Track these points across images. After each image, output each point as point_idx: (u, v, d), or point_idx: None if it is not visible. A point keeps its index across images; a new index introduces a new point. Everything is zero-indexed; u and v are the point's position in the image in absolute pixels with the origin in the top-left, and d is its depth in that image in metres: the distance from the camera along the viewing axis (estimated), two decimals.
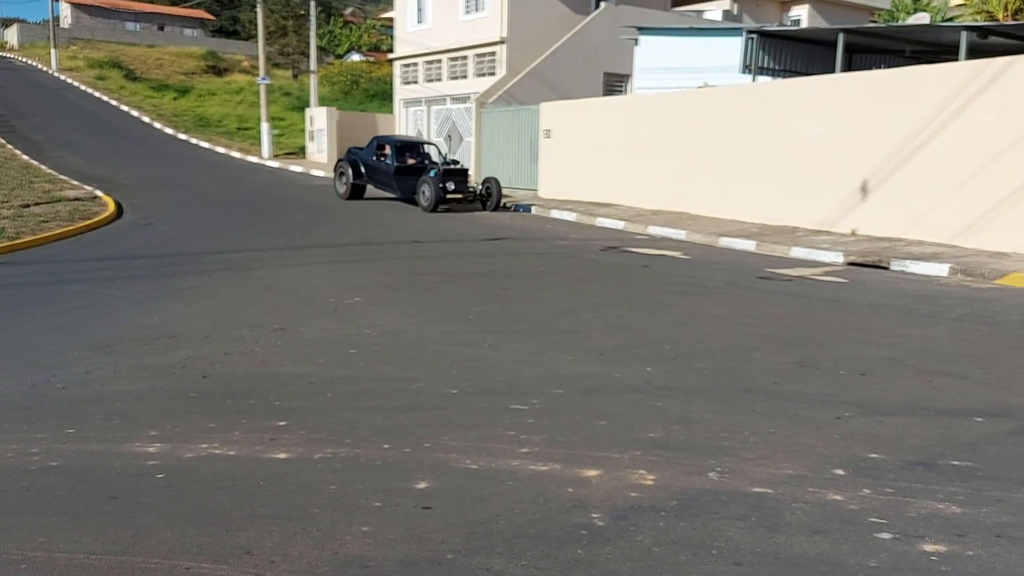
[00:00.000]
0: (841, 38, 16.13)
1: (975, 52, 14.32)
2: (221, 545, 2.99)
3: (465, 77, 27.85)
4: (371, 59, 47.57)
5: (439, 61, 28.96)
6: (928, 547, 2.99)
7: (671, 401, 4.80)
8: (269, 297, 8.19)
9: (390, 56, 33.21)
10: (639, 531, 3.11)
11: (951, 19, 26.83)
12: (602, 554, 2.92)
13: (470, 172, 18.98)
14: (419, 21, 29.70)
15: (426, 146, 19.63)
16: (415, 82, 29.93)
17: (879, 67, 18.17)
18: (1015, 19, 25.35)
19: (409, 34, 30.04)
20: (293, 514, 3.25)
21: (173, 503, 3.39)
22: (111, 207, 15.93)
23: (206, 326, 6.85)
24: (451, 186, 17.16)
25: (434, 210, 16.97)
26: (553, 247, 12.61)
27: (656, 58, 21.54)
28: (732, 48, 18.71)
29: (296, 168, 27.78)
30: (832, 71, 16.39)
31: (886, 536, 3.07)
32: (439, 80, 28.77)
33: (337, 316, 7.21)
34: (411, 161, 18.53)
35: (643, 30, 21.99)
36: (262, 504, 3.35)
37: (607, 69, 26.54)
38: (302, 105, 34.29)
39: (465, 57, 27.87)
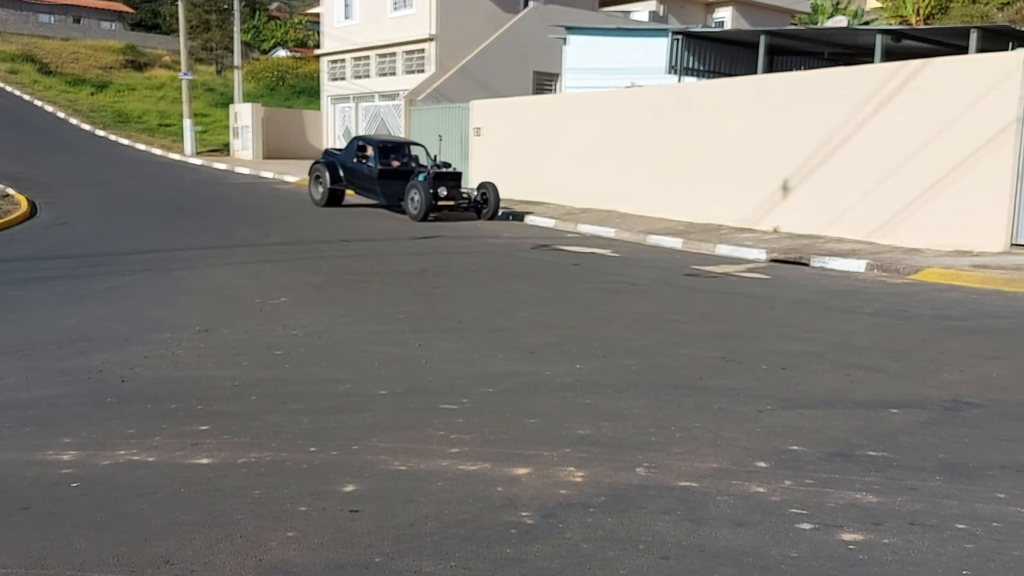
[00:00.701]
0: (763, 40, 16.53)
1: (890, 55, 14.83)
2: (139, 555, 2.90)
3: (394, 74, 27.62)
4: (298, 55, 46.79)
5: (367, 58, 28.66)
6: (846, 536, 3.07)
7: (600, 398, 4.84)
8: (192, 298, 7.98)
9: (317, 52, 32.73)
10: (568, 528, 3.12)
11: (868, 23, 27.74)
12: (531, 552, 2.92)
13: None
14: (347, 17, 29.35)
15: (413, 147, 17.73)
16: (343, 79, 29.56)
17: (799, 68, 18.68)
18: (926, 23, 26.37)
19: (336, 30, 29.65)
20: (216, 521, 3.17)
21: (88, 513, 3.27)
22: (24, 206, 15.30)
23: (125, 329, 6.64)
24: (443, 192, 15.37)
25: (424, 219, 15.29)
26: (484, 245, 12.60)
27: (585, 58, 21.72)
28: (658, 49, 18.99)
29: (220, 166, 27.15)
30: (755, 72, 16.78)
31: (806, 526, 3.15)
32: (368, 77, 28.48)
33: (263, 317, 7.07)
34: (396, 164, 16.67)
35: (571, 29, 22.15)
36: (183, 511, 3.26)
37: (537, 68, 26.65)
38: (226, 101, 33.53)
39: (394, 54, 27.64)
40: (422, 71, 26.35)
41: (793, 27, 22.81)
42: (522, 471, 3.68)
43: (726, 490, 3.50)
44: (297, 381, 5.17)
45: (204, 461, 3.80)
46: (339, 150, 18.37)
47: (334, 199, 17.56)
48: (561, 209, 17.29)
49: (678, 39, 17.92)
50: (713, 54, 18.79)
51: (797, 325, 7.18)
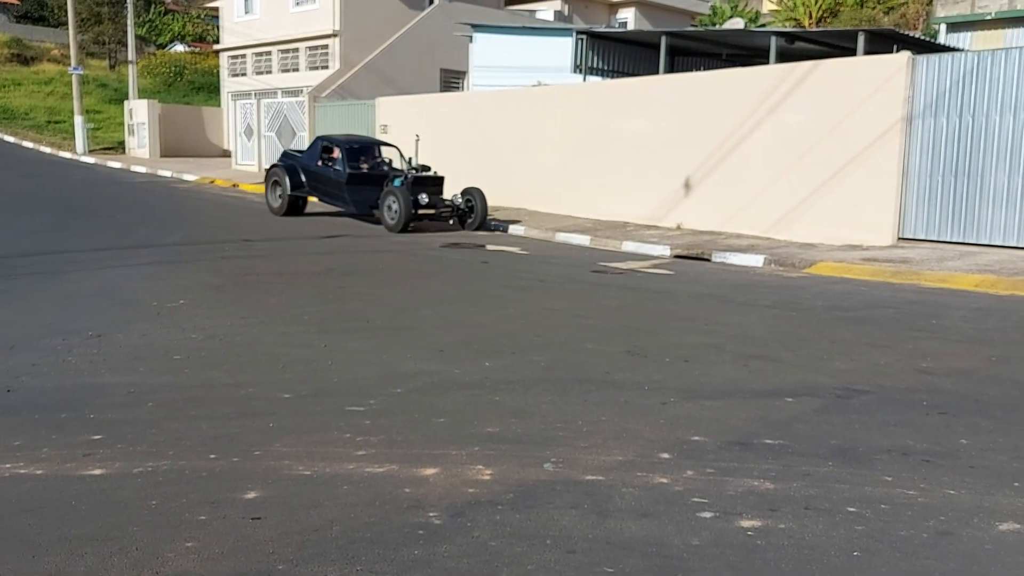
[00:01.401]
0: (664, 40, 16.90)
1: (784, 56, 15.39)
2: (26, 572, 2.76)
3: (297, 70, 27.11)
4: (196, 50, 45.32)
5: (269, 53, 28.03)
6: (745, 523, 3.17)
7: (509, 395, 4.86)
8: (85, 302, 7.65)
9: (216, 47, 31.83)
10: (476, 527, 3.12)
11: (764, 25, 28.67)
12: (439, 553, 2.91)
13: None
14: (247, 11, 28.62)
15: (384, 148, 15.86)
16: (244, 75, 28.82)
17: (699, 69, 19.17)
18: (819, 26, 27.43)
19: (236, 24, 28.89)
20: (109, 534, 3.04)
21: None
22: None
23: (12, 335, 6.31)
24: (424, 199, 13.69)
25: (404, 229, 13.57)
26: (392, 244, 12.49)
27: (491, 56, 21.78)
28: (563, 48, 19.20)
29: (115, 164, 26.10)
30: (657, 72, 17.15)
31: (707, 515, 3.24)
32: (269, 73, 27.84)
33: (160, 320, 6.82)
34: (366, 167, 14.93)
35: (477, 27, 22.18)
36: (74, 525, 3.11)
37: (444, 65, 26.59)
38: (121, 97, 32.23)
39: (297, 50, 27.11)
40: (326, 67, 25.93)
41: (693, 29, 23.41)
42: (430, 471, 3.66)
43: (631, 482, 3.56)
44: (197, 386, 5.01)
45: (97, 472, 3.64)
46: (299, 152, 16.55)
47: (294, 207, 15.63)
48: None
49: (582, 39, 18.16)
50: (617, 54, 19.11)
51: (699, 319, 7.37)
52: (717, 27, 25.60)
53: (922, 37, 19.50)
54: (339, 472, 3.63)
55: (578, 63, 18.23)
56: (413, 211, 13.59)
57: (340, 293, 8.32)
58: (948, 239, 11.28)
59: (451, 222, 14.40)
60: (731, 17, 27.93)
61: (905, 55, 11.59)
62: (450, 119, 18.63)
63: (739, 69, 14.30)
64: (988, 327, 6.94)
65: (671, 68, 18.72)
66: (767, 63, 14.94)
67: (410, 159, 14.78)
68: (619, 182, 15.10)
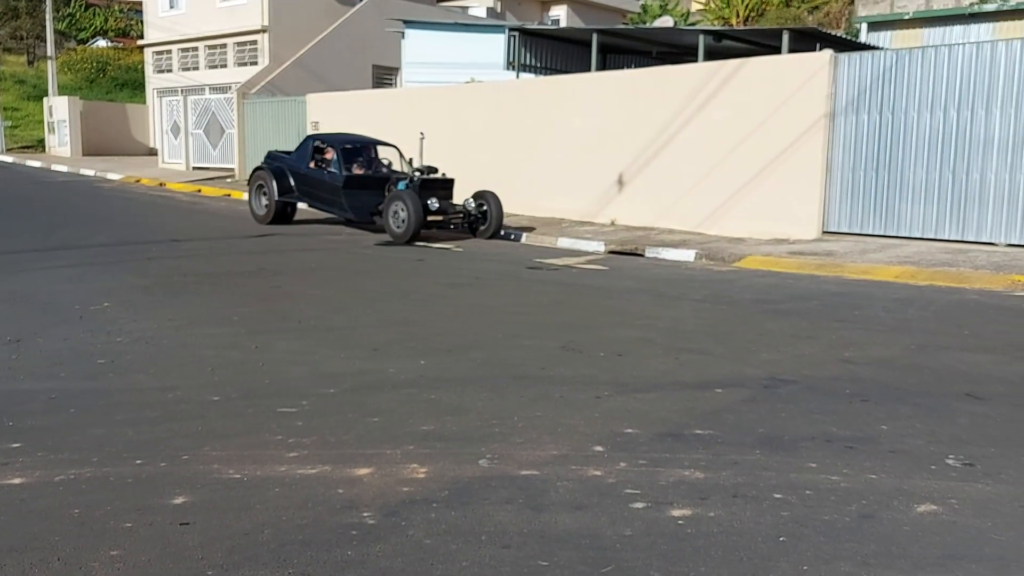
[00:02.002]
0: (595, 38, 17.05)
1: (712, 54, 15.67)
2: None
3: (225, 66, 26.56)
4: (120, 45, 44.00)
5: (196, 49, 27.39)
6: (676, 512, 3.23)
7: (444, 392, 4.85)
8: (2, 307, 7.36)
9: (140, 43, 30.97)
10: (411, 525, 3.11)
11: (693, 24, 29.14)
12: (373, 552, 2.89)
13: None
14: (172, 6, 27.92)
15: (382, 147, 14.47)
16: (169, 71, 28.12)
17: (630, 66, 19.41)
18: (746, 24, 28.00)
19: (161, 19, 28.16)
20: (29, 544, 2.94)
21: None
22: None
23: None
24: (434, 204, 12.36)
25: (413, 239, 12.11)
26: (325, 242, 12.34)
27: (424, 52, 21.67)
28: (496, 45, 19.21)
29: (35, 163, 25.22)
30: (588, 69, 17.30)
31: (640, 505, 3.29)
32: (196, 69, 27.22)
33: (83, 324, 6.61)
34: (364, 168, 13.57)
35: (409, 23, 22.04)
36: None
37: (376, 61, 26.36)
38: (40, 94, 31.12)
39: (224, 45, 26.57)
40: (255, 63, 25.47)
41: (624, 27, 23.66)
42: (364, 471, 3.63)
43: (565, 475, 3.59)
44: (122, 391, 4.87)
45: (16, 481, 3.52)
46: (286, 153, 14.93)
47: (282, 215, 14.18)
48: None
49: (515, 36, 18.20)
50: (549, 51, 19.21)
51: (632, 313, 7.46)
52: (647, 25, 25.94)
53: (844, 36, 20.09)
54: (270, 474, 3.58)
55: (511, 60, 18.27)
56: (424, 217, 12.19)
57: (271, 293, 8.19)
58: (870, 232, 11.66)
59: (452, 228, 13.11)
60: (661, 15, 28.32)
61: (827, 53, 11.92)
62: (383, 115, 18.47)
63: (669, 67, 14.52)
64: (907, 317, 7.19)
65: (603, 66, 18.90)
66: (696, 61, 15.20)
67: (411, 160, 13.72)
68: (554, 178, 15.19)
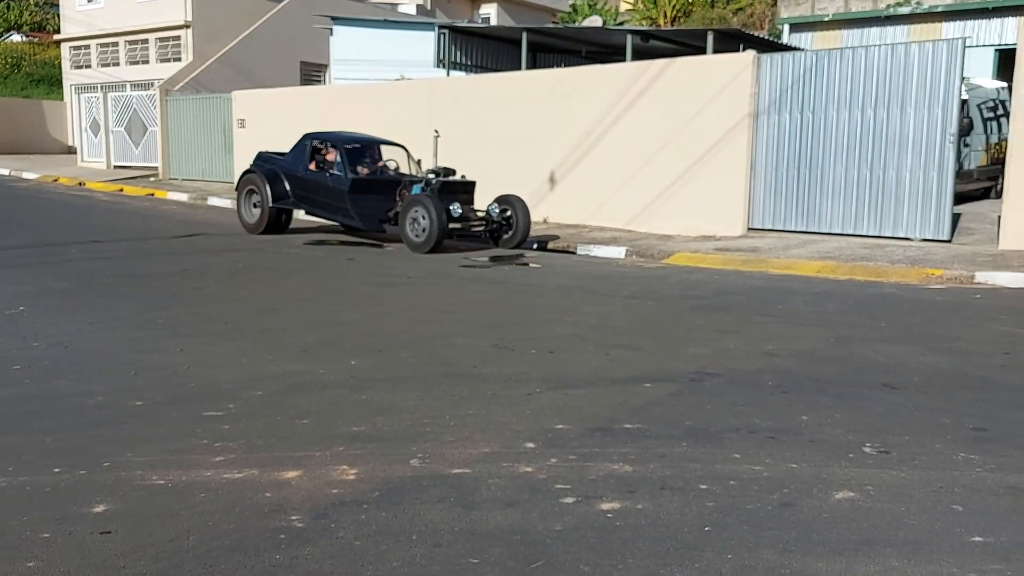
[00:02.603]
0: (525, 37, 17.13)
1: (640, 54, 15.90)
2: None
3: (147, 62, 25.86)
4: (35, 40, 42.36)
5: (116, 44, 26.59)
6: (605, 505, 3.27)
7: (375, 393, 4.82)
8: None
9: (57, 37, 29.90)
10: (340, 527, 3.09)
11: (622, 23, 29.49)
12: (302, 555, 2.86)
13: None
14: (89, 0, 27.02)
15: (389, 147, 12.99)
16: (88, 67, 27.24)
17: (560, 65, 19.54)
18: (673, 25, 28.46)
19: (78, 13, 27.25)
20: None
21: None
22: None
23: None
24: (457, 210, 11.17)
25: (436, 248, 10.96)
26: (253, 242, 12.12)
27: (353, 49, 21.45)
28: (426, 42, 19.14)
29: None
30: (519, 67, 17.36)
31: (570, 500, 3.32)
32: (117, 65, 26.43)
33: None
34: (369, 170, 12.27)
35: (337, 20, 21.79)
36: None
37: (304, 58, 26.00)
38: None
39: (146, 41, 25.86)
40: (179, 59, 24.85)
41: (553, 26, 23.82)
42: (292, 474, 3.59)
43: (497, 473, 3.61)
44: (39, 397, 4.71)
45: None
46: (279, 154, 13.35)
47: (276, 223, 12.85)
48: None
49: (444, 33, 18.16)
50: (479, 49, 19.22)
51: (564, 310, 7.53)
52: (577, 25, 26.16)
53: (767, 37, 20.61)
54: (195, 480, 3.51)
55: (441, 58, 18.23)
56: (447, 225, 11.01)
57: (196, 295, 8.01)
58: (793, 228, 11.98)
59: (478, 237, 11.91)
60: (590, 15, 28.59)
61: (750, 54, 12.20)
62: (312, 113, 18.21)
63: (599, 66, 14.68)
64: (827, 310, 7.42)
65: (533, 64, 19.00)
66: (624, 60, 15.40)
67: (419, 161, 12.63)
68: (486, 176, 15.14)
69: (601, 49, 19.09)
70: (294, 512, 3.21)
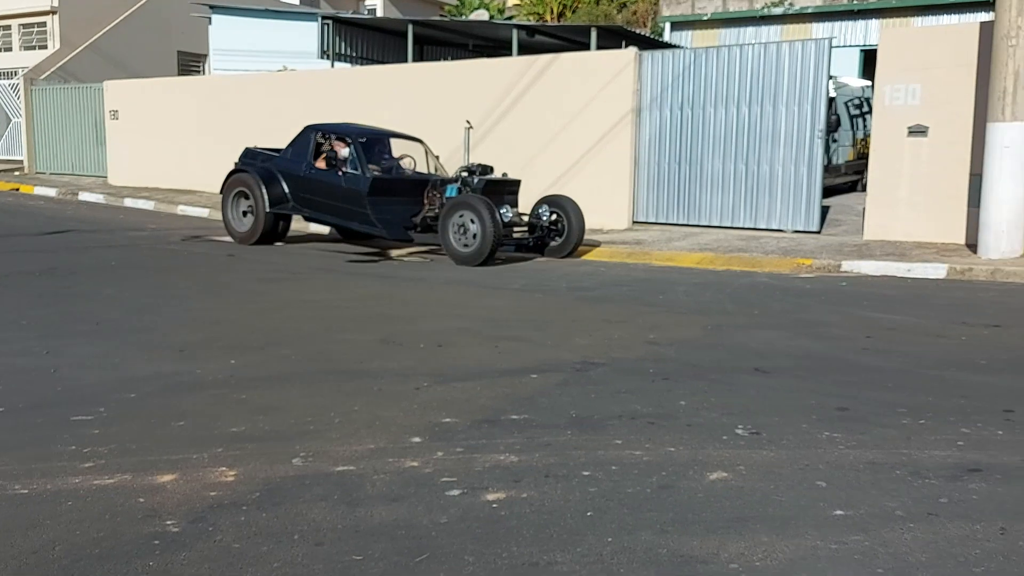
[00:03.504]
0: (411, 29, 17.00)
1: (527, 48, 16.04)
2: None
3: (10, 50, 24.34)
4: None
5: None
6: (490, 496, 3.30)
7: (257, 391, 4.70)
8: None
9: None
10: (218, 530, 3.00)
11: (510, 18, 29.66)
12: (177, 561, 2.77)
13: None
14: None
15: (405, 141, 11.58)
16: None
17: (447, 58, 19.50)
18: (559, 21, 28.84)
19: None
20: None
21: None
22: None
23: None
24: (507, 214, 9.85)
25: (488, 260, 9.59)
26: (127, 239, 11.60)
27: (233, 39, 20.79)
28: (310, 33, 18.74)
29: None
30: (405, 60, 17.22)
31: (455, 492, 3.33)
32: None
33: None
34: (387, 171, 10.73)
35: (215, 8, 21.06)
36: None
37: (181, 48, 25.04)
38: None
39: (8, 27, 24.33)
40: (44, 47, 23.48)
41: (440, 19, 23.74)
42: (167, 478, 3.46)
43: (382, 468, 3.58)
44: None
45: None
46: (273, 151, 11.70)
47: (273, 232, 11.28)
48: (215, 198, 16.39)
49: (328, 24, 17.83)
50: (365, 41, 18.96)
51: (453, 304, 7.53)
52: (464, 18, 26.16)
53: (649, 35, 21.15)
54: (62, 488, 3.34)
55: (325, 49, 17.89)
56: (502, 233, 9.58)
57: (65, 294, 7.60)
58: (675, 221, 12.36)
59: (526, 245, 10.39)
60: (477, 8, 28.64)
61: (632, 51, 12.49)
62: (190, 104, 17.57)
63: (487, 60, 14.73)
64: (706, 299, 7.70)
65: (420, 57, 18.89)
66: (511, 55, 15.50)
67: (437, 157, 11.45)
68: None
69: (488, 43, 19.15)
70: (169, 517, 3.10)
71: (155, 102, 18.03)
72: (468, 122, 11.67)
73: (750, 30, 22.59)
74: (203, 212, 14.90)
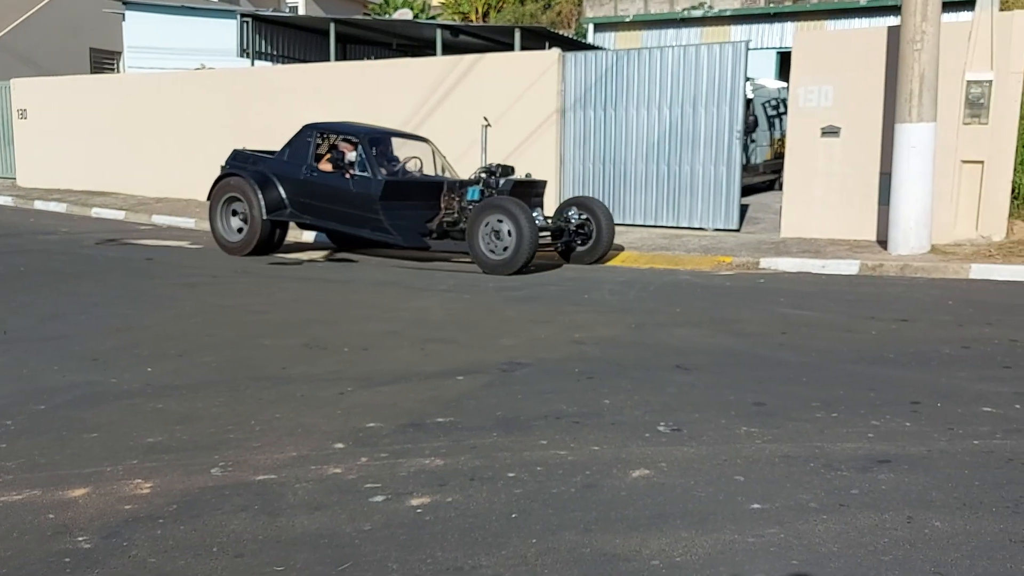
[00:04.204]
0: (332, 28, 16.79)
1: (452, 48, 16.00)
2: None
3: None
4: None
5: None
6: (415, 501, 3.28)
7: (174, 401, 4.58)
8: None
9: None
10: (133, 545, 2.91)
11: (434, 17, 29.54)
12: None
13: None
14: None
15: (414, 141, 10.92)
16: None
17: (370, 57, 19.34)
18: (485, 21, 28.87)
19: None
20: None
21: None
22: None
23: None
24: (540, 218, 9.39)
25: (521, 269, 9.00)
26: (37, 243, 11.17)
27: (148, 36, 20.20)
28: (228, 31, 18.34)
29: None
30: (328, 59, 17.00)
31: (379, 499, 3.31)
32: None
33: None
34: (381, 171, 9.79)
35: (129, 5, 20.43)
36: None
37: (94, 45, 24.22)
38: None
39: None
40: None
41: (362, 17, 23.51)
42: (79, 492, 3.35)
43: (304, 476, 3.53)
44: None
45: None
46: (267, 154, 10.80)
47: (269, 241, 10.44)
48: (132, 199, 15.96)
49: (247, 22, 17.47)
50: (286, 39, 18.66)
51: (379, 306, 7.47)
52: (387, 17, 25.96)
53: (573, 36, 21.34)
54: None
55: (245, 47, 17.54)
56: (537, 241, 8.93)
57: None
58: None
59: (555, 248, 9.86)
60: (399, 8, 28.45)
61: (555, 52, 12.59)
62: (104, 103, 17.00)
63: (411, 59, 14.65)
64: (630, 298, 7.81)
65: (343, 56, 18.68)
66: (435, 54, 15.44)
67: (434, 158, 10.60)
68: None
69: (412, 42, 19.05)
70: (81, 533, 3.00)
71: (66, 101, 17.39)
72: (486, 119, 10.99)
73: (671, 32, 23.00)
74: (119, 214, 14.45)
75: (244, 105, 15.23)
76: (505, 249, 8.92)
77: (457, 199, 9.77)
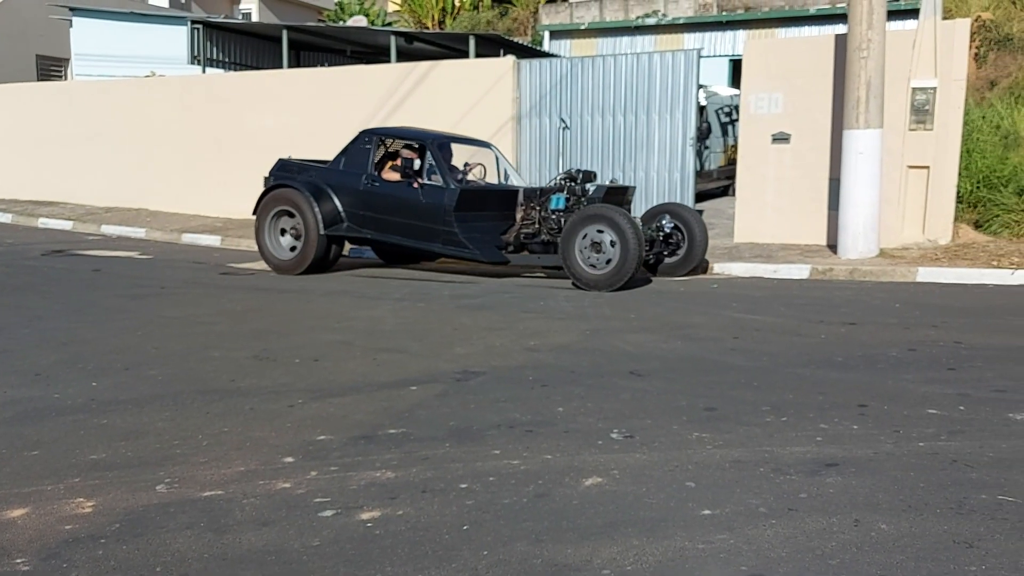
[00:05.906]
0: (285, 35, 16.65)
1: (407, 55, 15.95)
2: None
3: None
4: None
5: None
6: (365, 515, 3.24)
7: (119, 416, 4.48)
8: None
9: None
10: (73, 566, 2.83)
11: (390, 24, 29.42)
12: None
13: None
14: None
15: (476, 147, 10.25)
16: None
17: (324, 64, 19.19)
18: (441, 28, 28.82)
19: None
20: None
21: None
22: None
23: None
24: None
25: (627, 285, 8.30)
26: None
27: (97, 43, 19.82)
28: (179, 37, 18.07)
29: None
30: (281, 66, 16.84)
31: (329, 513, 3.26)
32: None
33: None
34: (438, 177, 9.06)
35: (76, 11, 20.03)
36: None
37: (41, 51, 23.71)
38: None
39: None
40: None
41: (316, 24, 23.32)
42: (18, 512, 3.24)
43: (252, 492, 3.47)
44: None
45: None
46: (317, 162, 10.14)
47: (324, 257, 9.66)
48: (80, 209, 15.63)
49: (198, 29, 17.24)
50: (238, 46, 18.45)
51: (331, 316, 7.39)
52: (340, 24, 25.79)
53: (529, 43, 21.39)
54: None
55: (196, 54, 17.30)
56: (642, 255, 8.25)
57: None
58: None
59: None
60: (357, 14, 28.29)
61: (510, 59, 12.62)
62: (52, 112, 16.64)
63: (365, 66, 14.59)
64: (584, 304, 7.83)
65: (296, 63, 18.52)
66: (390, 61, 15.38)
67: (497, 165, 9.92)
68: (247, 178, 14.54)
69: (367, 49, 18.94)
70: (19, 555, 2.91)
71: (11, 109, 16.98)
72: (563, 120, 10.21)
73: (626, 40, 23.19)
74: (67, 224, 14.14)
75: (195, 112, 15.01)
76: (609, 262, 8.19)
77: (537, 208, 9.08)
